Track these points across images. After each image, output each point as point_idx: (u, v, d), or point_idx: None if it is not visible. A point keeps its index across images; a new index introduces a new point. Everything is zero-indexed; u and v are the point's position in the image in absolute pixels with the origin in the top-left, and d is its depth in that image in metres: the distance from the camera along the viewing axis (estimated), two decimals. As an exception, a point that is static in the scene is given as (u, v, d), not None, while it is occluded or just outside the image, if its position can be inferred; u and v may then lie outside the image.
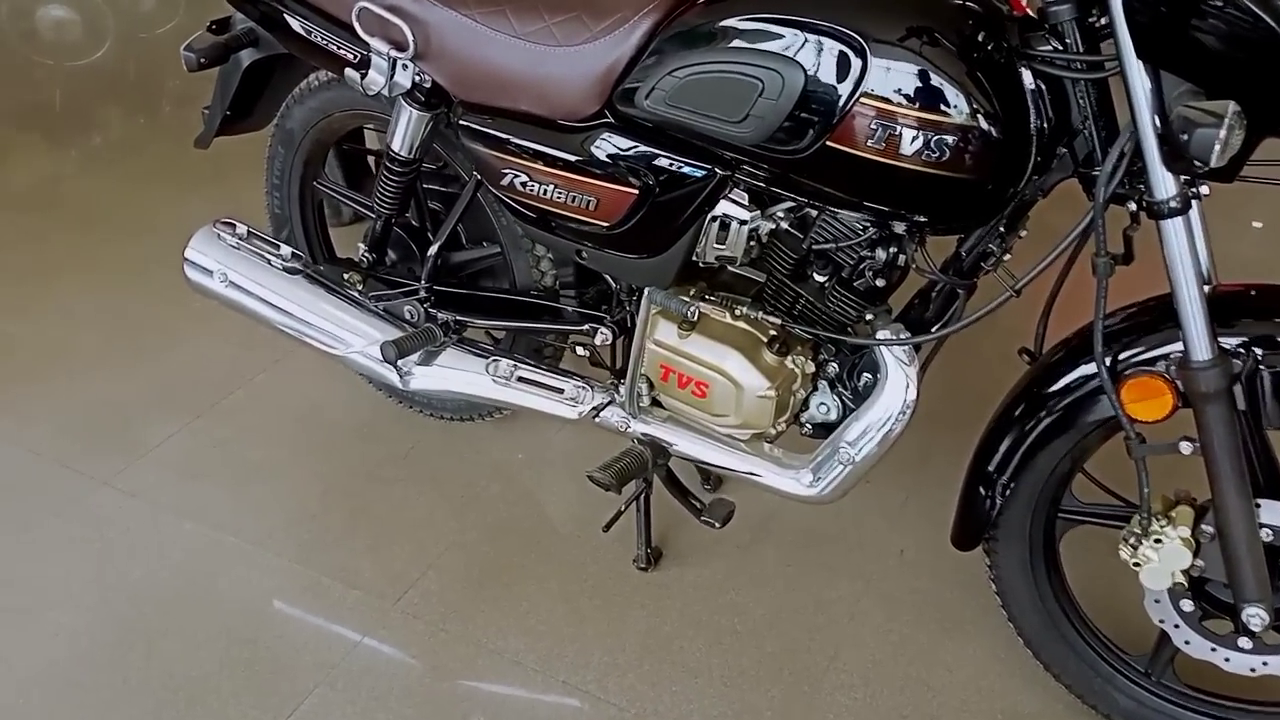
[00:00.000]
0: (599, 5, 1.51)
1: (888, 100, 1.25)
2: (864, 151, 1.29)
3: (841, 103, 1.27)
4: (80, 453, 2.16)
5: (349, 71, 1.64)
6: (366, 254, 1.91)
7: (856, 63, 1.26)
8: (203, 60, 1.83)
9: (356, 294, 1.86)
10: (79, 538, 1.96)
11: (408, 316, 1.82)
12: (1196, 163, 1.10)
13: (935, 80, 1.24)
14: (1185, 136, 1.09)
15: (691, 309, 1.50)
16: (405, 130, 1.69)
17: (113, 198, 3.13)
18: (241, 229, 1.90)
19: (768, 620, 1.80)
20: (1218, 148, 1.07)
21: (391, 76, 1.62)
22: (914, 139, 1.26)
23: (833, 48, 1.27)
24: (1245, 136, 1.11)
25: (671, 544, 1.94)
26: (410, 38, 1.56)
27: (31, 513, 2.01)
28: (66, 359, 2.44)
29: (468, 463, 2.15)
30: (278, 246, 1.88)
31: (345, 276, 1.91)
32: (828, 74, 1.28)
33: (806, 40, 1.29)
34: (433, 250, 1.79)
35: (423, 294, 1.80)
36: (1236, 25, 1.08)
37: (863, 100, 1.26)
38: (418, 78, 1.63)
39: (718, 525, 1.64)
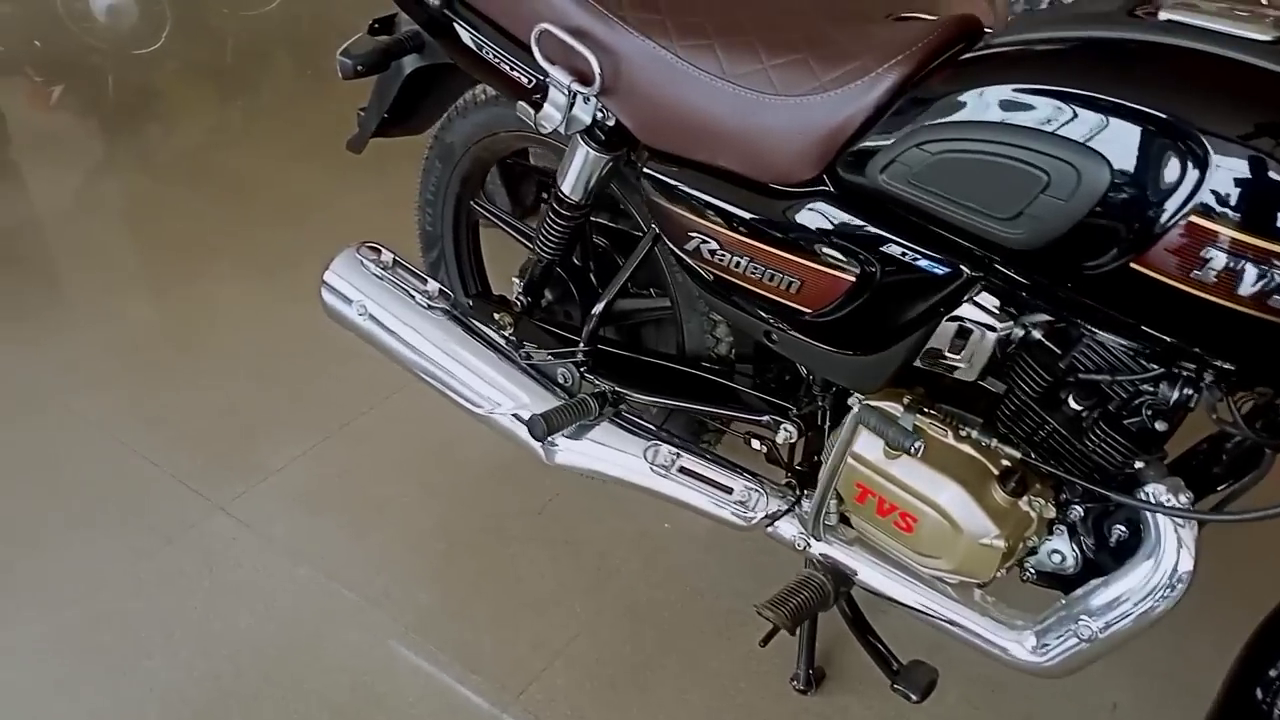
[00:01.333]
0: (830, 47, 1.22)
1: (1234, 222, 0.93)
2: (1184, 284, 0.97)
3: (1163, 219, 0.96)
4: (200, 469, 2.02)
5: (521, 104, 1.40)
6: (521, 295, 1.67)
7: (1190, 167, 0.94)
8: (360, 68, 1.62)
9: (506, 343, 1.63)
10: (189, 571, 1.81)
11: (561, 380, 1.58)
12: None
13: (1303, 202, 0.91)
14: None
15: (917, 444, 1.21)
16: (579, 171, 1.44)
17: (267, 174, 3.01)
18: (387, 256, 1.69)
19: (947, 776, 1.52)
20: None
21: (570, 110, 1.37)
22: (1260, 277, 0.93)
23: (1158, 142, 0.95)
24: None
25: (837, 663, 1.67)
26: (597, 71, 1.30)
27: (146, 536, 1.88)
28: (199, 355, 2.31)
29: (608, 528, 1.91)
30: (425, 281, 1.66)
31: (495, 316, 1.68)
32: (1146, 177, 0.96)
33: (1120, 127, 0.97)
34: (598, 309, 1.54)
35: (580, 357, 1.56)
36: None
37: (1194, 218, 0.94)
38: (599, 114, 1.37)
39: (916, 699, 1.35)
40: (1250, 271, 0.94)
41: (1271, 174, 0.92)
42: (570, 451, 1.55)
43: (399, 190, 2.73)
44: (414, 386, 2.17)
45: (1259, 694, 1.19)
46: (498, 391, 1.58)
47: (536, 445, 1.56)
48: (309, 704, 1.60)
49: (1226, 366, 1.05)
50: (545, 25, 1.32)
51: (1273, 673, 1.17)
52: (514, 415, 1.57)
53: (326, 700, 1.60)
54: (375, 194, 2.79)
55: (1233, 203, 0.93)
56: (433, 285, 1.66)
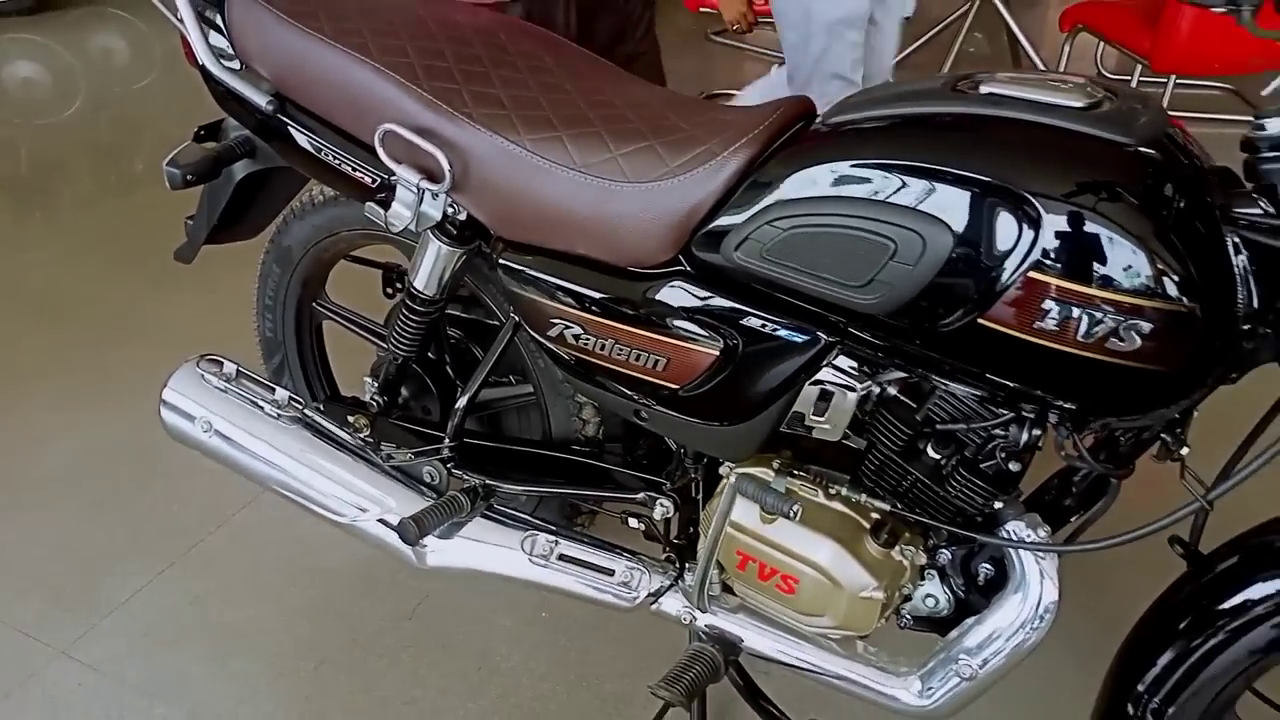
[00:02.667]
0: (675, 134, 1.27)
1: (1068, 274, 1.01)
2: (1029, 334, 1.04)
3: (1004, 276, 1.03)
4: (36, 613, 1.87)
5: (370, 205, 1.38)
6: (377, 396, 1.63)
7: (1026, 228, 1.02)
8: (189, 177, 1.56)
9: (364, 446, 1.58)
10: (29, 729, 1.66)
11: (428, 479, 1.54)
12: None
13: (1129, 250, 1.00)
14: None
15: (795, 507, 1.24)
16: (432, 267, 1.43)
17: (81, 290, 2.83)
18: (229, 367, 1.62)
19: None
20: None
21: (419, 207, 1.36)
22: (1098, 323, 1.01)
23: (992, 205, 1.03)
24: None
25: (731, 729, 1.67)
26: (447, 168, 1.30)
27: (-27, 695, 1.71)
28: (24, 490, 2.14)
29: (484, 624, 1.87)
30: (272, 389, 1.60)
31: (350, 419, 1.63)
32: (986, 239, 1.04)
33: (957, 195, 1.05)
34: (462, 403, 1.51)
35: (446, 453, 1.53)
36: None
37: (1032, 274, 1.02)
38: (450, 209, 1.37)
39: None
40: (1086, 318, 1.02)
41: (1095, 227, 1.00)
42: (444, 552, 1.51)
43: (226, 296, 2.64)
44: (262, 500, 2.09)
45: (1130, 709, 1.26)
46: (361, 498, 1.53)
47: (408, 551, 1.51)
48: None
49: (1069, 405, 1.13)
50: (389, 126, 1.31)
51: (1140, 687, 1.24)
52: (381, 521, 1.52)
53: None
54: (200, 302, 2.69)
55: (1065, 257, 1.01)
56: (281, 393, 1.60)
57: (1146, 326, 1.00)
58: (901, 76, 4.45)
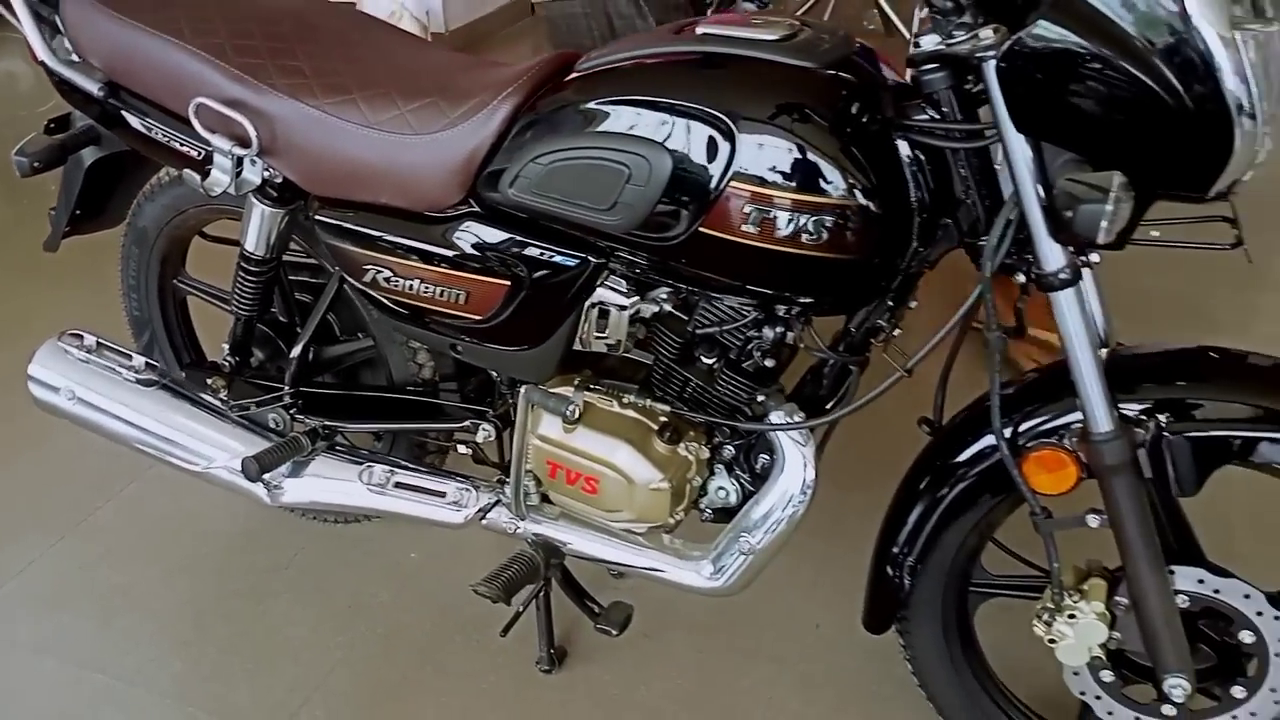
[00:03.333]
0: (455, 90, 1.43)
1: (760, 181, 1.19)
2: (739, 236, 1.22)
3: (712, 186, 1.21)
4: (-74, 590, 1.97)
5: (186, 172, 1.52)
6: (229, 357, 1.77)
7: (724, 144, 1.19)
8: (36, 164, 1.69)
9: (218, 403, 1.72)
10: (-77, 690, 1.77)
11: (272, 425, 1.69)
12: (1084, 239, 1.06)
13: (809, 158, 1.18)
14: (1070, 213, 1.05)
15: (571, 407, 1.41)
16: (258, 228, 1.58)
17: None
18: (90, 340, 1.75)
19: (681, 715, 1.70)
20: (1105, 224, 1.02)
21: (238, 174, 1.50)
22: (790, 221, 1.19)
23: (699, 129, 1.21)
24: (1133, 206, 1.07)
25: (576, 640, 1.83)
26: (253, 133, 1.45)
27: None
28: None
29: (355, 568, 2.01)
30: (130, 357, 1.74)
31: (209, 382, 1.77)
32: (696, 157, 1.21)
33: (672, 122, 1.22)
34: (296, 351, 1.66)
35: (288, 399, 1.67)
36: (1117, 89, 1.04)
37: (734, 183, 1.20)
38: (267, 173, 1.52)
39: (615, 633, 1.54)
40: (781, 217, 1.19)
41: (782, 140, 1.18)
42: (291, 490, 1.66)
43: (105, 285, 2.75)
44: (148, 475, 2.22)
45: (890, 570, 1.44)
46: (211, 447, 1.67)
47: (258, 490, 1.66)
48: (67, 786, 1.61)
49: (798, 300, 1.31)
50: (200, 99, 1.46)
51: (895, 549, 1.43)
52: (229, 467, 1.66)
53: (86, 779, 1.62)
54: (100, 294, 2.78)
55: (758, 166, 1.19)
56: (139, 360, 1.73)
57: (830, 221, 1.19)
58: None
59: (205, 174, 1.51)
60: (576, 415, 1.42)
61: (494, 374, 1.63)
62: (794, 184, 1.18)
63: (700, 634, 1.84)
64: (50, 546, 2.08)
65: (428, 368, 1.74)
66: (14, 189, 3.63)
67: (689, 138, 1.21)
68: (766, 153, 1.18)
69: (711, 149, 1.20)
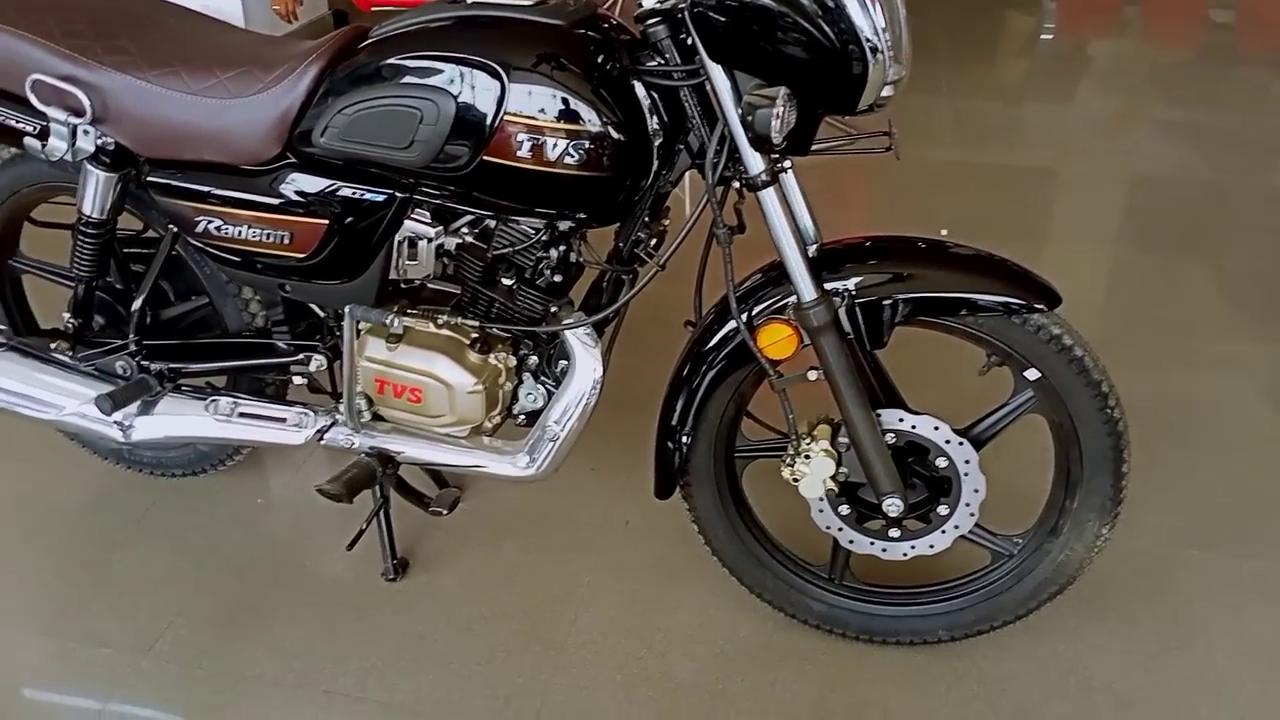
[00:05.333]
0: (267, 59, 1.66)
1: (529, 116, 1.47)
2: (516, 161, 1.50)
3: (489, 121, 1.48)
4: None
5: (29, 140, 1.69)
6: (71, 321, 1.93)
7: (497, 86, 1.47)
8: None
9: (66, 358, 1.88)
10: None
11: (120, 372, 1.87)
12: (770, 140, 1.38)
13: (565, 96, 1.47)
14: (751, 118, 1.37)
15: (392, 319, 1.66)
16: (94, 193, 1.76)
17: None
18: (-74, 314, 1.88)
19: (512, 603, 1.96)
20: (775, 123, 1.36)
21: (74, 143, 1.68)
22: (554, 146, 1.48)
23: (477, 76, 1.48)
24: (801, 115, 1.40)
25: (418, 554, 2.07)
26: (87, 104, 1.64)
27: None
28: None
29: (205, 515, 2.19)
30: (-33, 326, 1.88)
31: (53, 346, 1.93)
32: (476, 99, 1.49)
33: (455, 71, 1.49)
34: (137, 304, 1.85)
35: (133, 347, 1.85)
36: (779, 27, 1.37)
37: (508, 118, 1.48)
38: (100, 141, 1.70)
39: (445, 512, 1.79)
40: (548, 144, 1.48)
41: (542, 84, 1.47)
42: (144, 427, 1.84)
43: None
44: (-3, 449, 2.32)
45: (669, 444, 1.74)
46: (63, 396, 1.84)
47: (112, 430, 1.83)
48: (-58, 718, 1.74)
49: (576, 216, 1.60)
50: (36, 75, 1.64)
51: (672, 423, 1.73)
52: (82, 412, 1.83)
53: (-40, 711, 1.75)
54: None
55: (526, 104, 1.47)
56: (-15, 327, 1.88)
57: (587, 145, 1.48)
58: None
59: (44, 143, 1.69)
60: (398, 326, 1.67)
61: (319, 311, 1.86)
62: (554, 117, 1.47)
63: (530, 538, 2.10)
64: (-102, 525, 2.17)
65: (260, 316, 1.94)
66: None
67: (469, 83, 1.49)
68: (532, 92, 1.47)
69: (487, 91, 1.48)
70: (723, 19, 1.39)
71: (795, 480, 1.65)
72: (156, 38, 1.73)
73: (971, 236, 1.67)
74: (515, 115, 1.48)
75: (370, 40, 1.60)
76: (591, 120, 1.48)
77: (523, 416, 1.83)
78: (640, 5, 1.48)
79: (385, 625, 1.91)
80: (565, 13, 1.51)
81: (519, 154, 1.50)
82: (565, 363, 1.77)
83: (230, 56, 1.68)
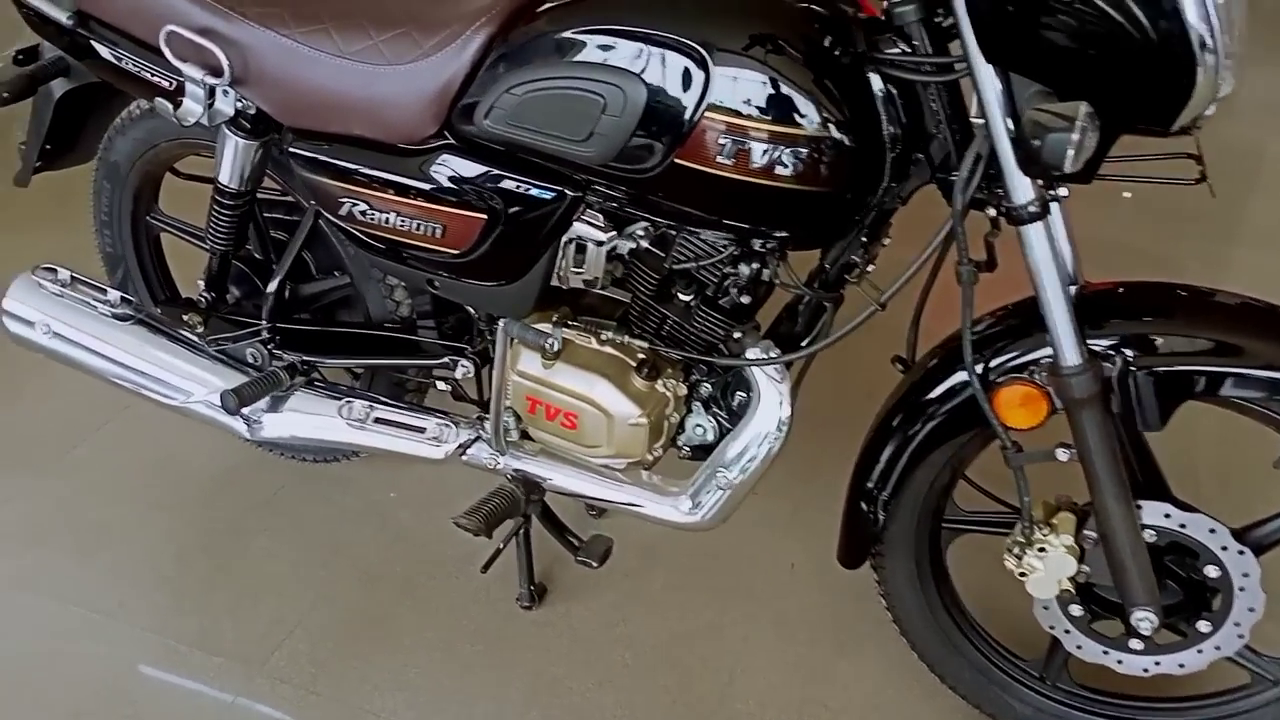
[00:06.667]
0: (428, 19, 1.41)
1: (735, 113, 1.18)
2: (714, 168, 1.22)
3: (687, 117, 1.20)
4: (-99, 529, 1.97)
5: (159, 101, 1.50)
6: (205, 293, 1.76)
7: (699, 74, 1.18)
8: (4, 95, 1.67)
9: (194, 338, 1.72)
10: (-98, 624, 1.78)
11: (250, 360, 1.69)
12: (1055, 168, 1.06)
13: (783, 89, 1.17)
14: (1038, 142, 1.04)
15: (550, 340, 1.41)
16: (232, 160, 1.56)
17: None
18: (64, 274, 1.74)
19: (659, 651, 1.73)
20: (1071, 153, 1.02)
21: (210, 105, 1.48)
22: (764, 153, 1.19)
23: (674, 59, 1.20)
24: (1099, 137, 1.06)
25: (557, 578, 1.85)
26: (225, 62, 1.43)
27: None
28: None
29: (335, 506, 2.02)
30: (105, 291, 1.73)
31: (185, 318, 1.76)
32: (671, 87, 1.20)
33: (647, 52, 1.21)
34: (272, 286, 1.65)
35: (265, 334, 1.67)
36: (1084, 22, 1.03)
37: (708, 114, 1.19)
38: (240, 104, 1.50)
39: (595, 565, 1.55)
40: (756, 148, 1.19)
41: (755, 71, 1.17)
42: (271, 424, 1.66)
43: (89, 234, 2.72)
44: (126, 414, 2.21)
45: (864, 506, 1.45)
46: (190, 381, 1.67)
47: (237, 424, 1.66)
48: (54, 713, 1.62)
49: (773, 234, 1.31)
50: (171, 27, 1.43)
51: (869, 484, 1.44)
52: (207, 401, 1.66)
53: (74, 708, 1.63)
54: (70, 236, 2.75)
55: (733, 98, 1.18)
56: (114, 294, 1.72)
57: (804, 152, 1.18)
58: None
59: (177, 104, 1.49)
60: (556, 349, 1.42)
61: (472, 310, 1.63)
62: (768, 116, 1.17)
63: (679, 573, 1.86)
64: (27, 485, 2.07)
65: (405, 305, 1.73)
66: None
67: (664, 68, 1.20)
68: (741, 84, 1.18)
69: (686, 79, 1.19)
70: (1010, 8, 1.06)
71: (1023, 575, 1.34)
72: (307, -14, 1.51)
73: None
74: (718, 110, 1.19)
75: (550, 4, 1.33)
76: (814, 121, 1.18)
77: (688, 450, 1.57)
78: (887, -24, 1.17)
79: (517, 663, 1.71)
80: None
81: (718, 158, 1.21)
82: (744, 395, 1.50)
83: (387, 13, 1.43)
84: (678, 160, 1.23)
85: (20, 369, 2.30)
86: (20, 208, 2.85)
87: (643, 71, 1.21)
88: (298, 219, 1.82)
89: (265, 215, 1.80)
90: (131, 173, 1.87)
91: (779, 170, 1.19)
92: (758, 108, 1.17)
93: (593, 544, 1.57)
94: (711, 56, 1.17)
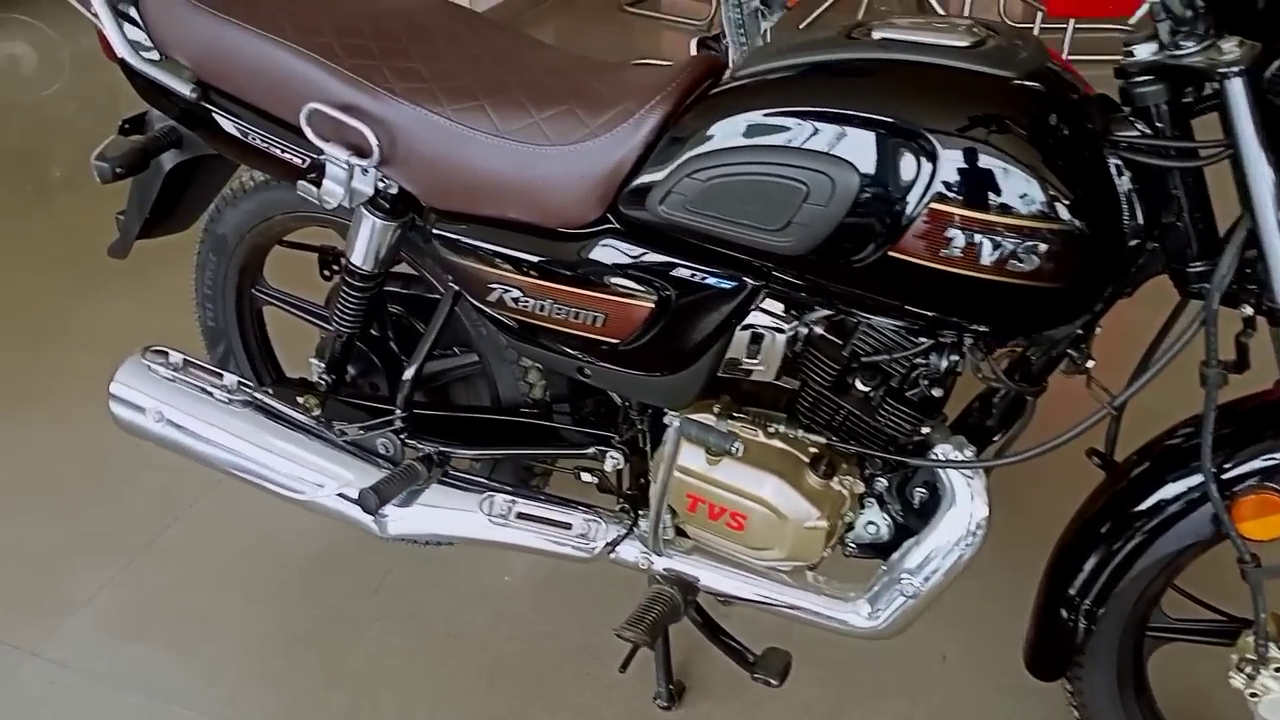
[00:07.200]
0: (593, 96, 1.31)
1: (964, 204, 1.07)
2: (935, 262, 1.11)
3: (909, 209, 1.09)
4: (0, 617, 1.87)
5: (302, 184, 1.40)
6: (324, 375, 1.66)
7: (924, 162, 1.08)
8: (119, 170, 1.57)
9: (315, 422, 1.61)
10: (4, 729, 1.68)
11: (382, 450, 1.58)
12: None
13: (1019, 178, 1.06)
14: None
15: (736, 444, 1.30)
16: (367, 241, 1.46)
17: (14, 298, 2.78)
18: (176, 358, 1.64)
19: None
20: None
21: (350, 183, 1.39)
22: (996, 247, 1.08)
23: (893, 145, 1.09)
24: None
25: (694, 673, 1.73)
26: (374, 143, 1.33)
27: (-56, 702, 1.72)
28: (-31, 500, 2.13)
29: (448, 592, 1.91)
30: (220, 375, 1.63)
31: (300, 400, 1.66)
32: (890, 176, 1.10)
33: (860, 136, 1.10)
34: (409, 374, 1.55)
35: (399, 423, 1.56)
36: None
37: (934, 205, 1.08)
38: (381, 183, 1.40)
39: (776, 683, 1.43)
40: (987, 243, 1.08)
41: (988, 158, 1.07)
42: (405, 519, 1.55)
43: (159, 295, 2.63)
44: (216, 490, 2.11)
45: (1065, 613, 1.33)
46: (318, 474, 1.57)
47: (369, 521, 1.55)
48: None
49: (982, 329, 1.20)
50: (314, 105, 1.34)
51: (1071, 592, 1.32)
52: (340, 495, 1.55)
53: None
54: (133, 303, 2.67)
55: (963, 187, 1.07)
56: (230, 378, 1.62)
57: (1043, 247, 1.07)
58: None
59: (315, 183, 1.39)
60: (741, 453, 1.31)
61: (618, 396, 1.52)
62: (1002, 208, 1.07)
63: (823, 668, 1.74)
64: (120, 570, 1.97)
65: (539, 387, 1.63)
66: (37, 187, 3.52)
67: (881, 154, 1.10)
68: (973, 173, 1.07)
69: (909, 167, 1.08)
70: None
71: (1254, 695, 1.22)
72: (451, 58, 1.41)
73: None
74: (947, 202, 1.08)
75: (734, 81, 1.23)
76: (1054, 213, 1.07)
77: (853, 547, 1.46)
78: (1129, 53, 1.06)
79: (660, 778, 1.59)
80: (1013, 59, 1.10)
81: (942, 253, 1.10)
82: (924, 492, 1.38)
83: (546, 89, 1.34)
84: (892, 253, 1.12)
85: (105, 442, 2.20)
86: (91, 271, 2.79)
87: (855, 158, 1.11)
88: (420, 294, 1.73)
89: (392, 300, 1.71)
90: (240, 245, 1.78)
91: (1011, 266, 1.08)
92: (991, 199, 1.07)
93: (770, 659, 1.44)
94: (938, 142, 1.07)
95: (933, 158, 1.07)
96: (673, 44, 4.47)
